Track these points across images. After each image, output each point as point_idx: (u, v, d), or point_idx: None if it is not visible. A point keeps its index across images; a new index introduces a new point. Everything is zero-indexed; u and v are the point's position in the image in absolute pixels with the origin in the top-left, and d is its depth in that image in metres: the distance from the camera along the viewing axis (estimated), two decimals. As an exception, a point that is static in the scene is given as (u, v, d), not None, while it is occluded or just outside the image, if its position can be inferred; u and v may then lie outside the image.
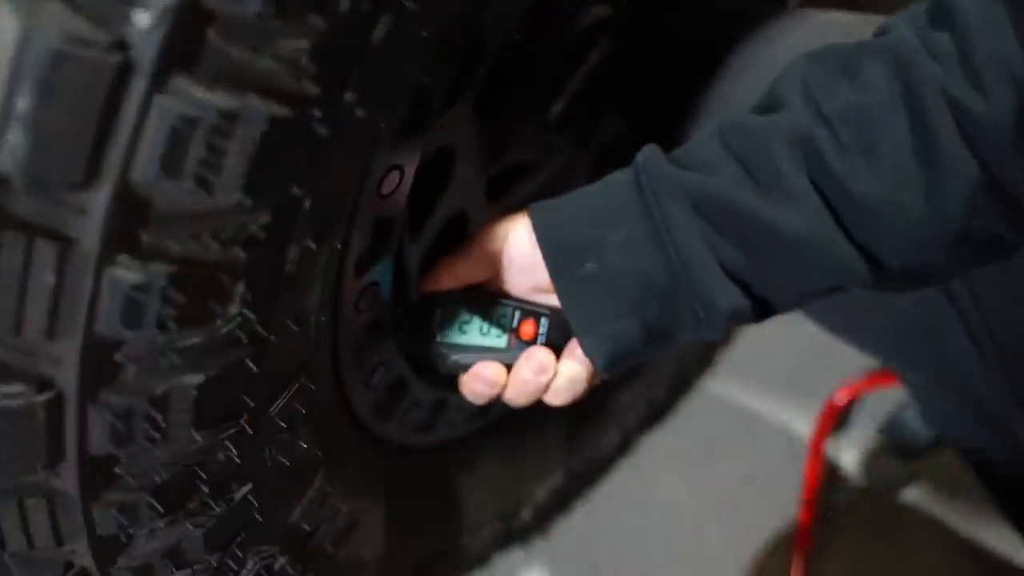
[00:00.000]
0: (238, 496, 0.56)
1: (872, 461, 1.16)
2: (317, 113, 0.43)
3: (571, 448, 1.04)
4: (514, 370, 0.59)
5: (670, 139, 0.60)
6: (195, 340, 0.46)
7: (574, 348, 0.58)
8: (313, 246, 0.50)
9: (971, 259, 0.49)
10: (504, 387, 0.59)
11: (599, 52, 0.78)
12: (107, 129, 0.38)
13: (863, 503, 1.14)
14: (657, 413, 1.20)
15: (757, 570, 1.08)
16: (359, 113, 0.47)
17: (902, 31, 0.48)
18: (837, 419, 1.19)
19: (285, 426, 0.57)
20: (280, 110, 0.41)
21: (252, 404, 0.53)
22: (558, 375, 0.58)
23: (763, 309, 0.54)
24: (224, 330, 0.47)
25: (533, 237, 0.56)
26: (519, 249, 0.58)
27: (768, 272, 0.51)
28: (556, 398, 0.58)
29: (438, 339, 0.60)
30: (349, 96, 0.45)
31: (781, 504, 1.14)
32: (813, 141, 0.48)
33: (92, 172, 0.38)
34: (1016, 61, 0.42)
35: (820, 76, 0.50)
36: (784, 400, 1.23)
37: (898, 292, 0.53)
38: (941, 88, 0.45)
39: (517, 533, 1.04)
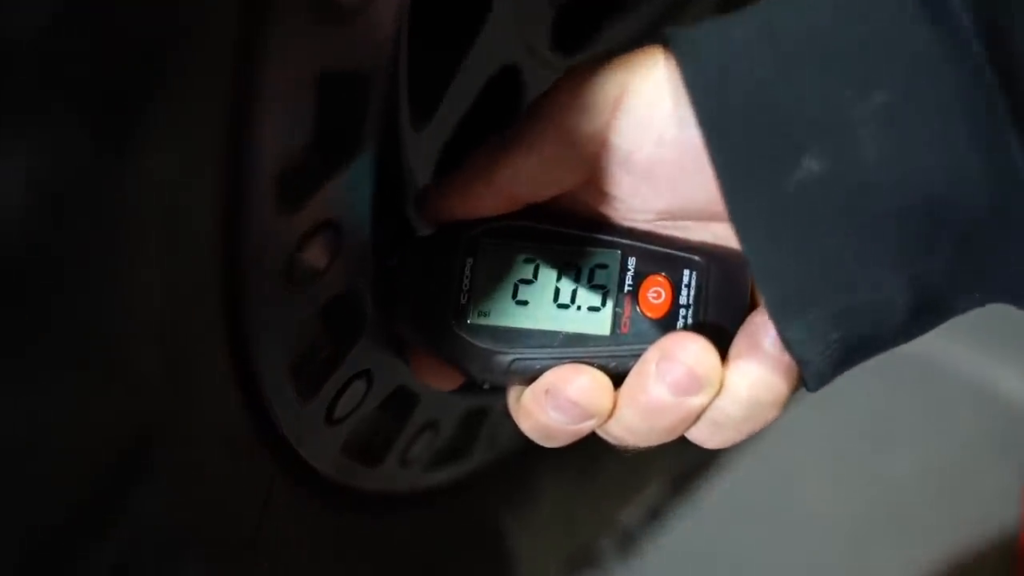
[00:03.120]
0: None
1: None
2: None
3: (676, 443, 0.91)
4: (631, 383, 0.42)
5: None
6: None
7: (758, 336, 0.41)
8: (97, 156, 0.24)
9: None
10: (610, 416, 0.42)
11: None
12: None
13: None
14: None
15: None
16: None
17: None
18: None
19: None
20: None
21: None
22: (725, 392, 0.41)
23: None
24: None
25: (678, 103, 0.38)
26: (647, 131, 0.40)
27: None
28: (718, 435, 0.42)
29: (470, 319, 0.43)
30: None
31: (993, 508, 1.00)
32: None
33: None
34: None
35: None
36: (996, 354, 1.08)
37: None
38: None
39: (588, 564, 0.93)
